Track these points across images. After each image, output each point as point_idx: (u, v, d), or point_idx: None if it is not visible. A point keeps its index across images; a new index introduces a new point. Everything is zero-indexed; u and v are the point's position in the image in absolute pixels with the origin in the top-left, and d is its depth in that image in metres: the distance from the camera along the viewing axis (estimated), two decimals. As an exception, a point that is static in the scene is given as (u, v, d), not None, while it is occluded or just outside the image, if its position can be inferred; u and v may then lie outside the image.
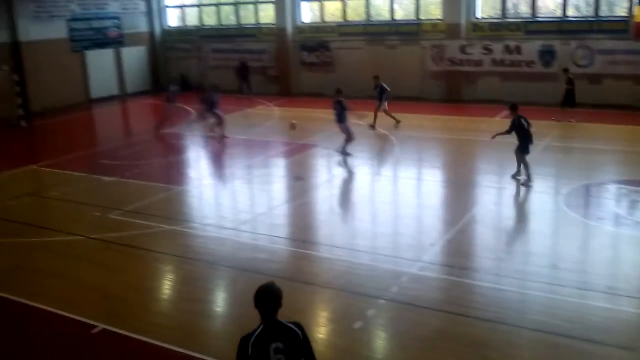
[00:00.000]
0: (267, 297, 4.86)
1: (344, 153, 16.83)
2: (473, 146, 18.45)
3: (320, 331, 8.38)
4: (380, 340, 8.22)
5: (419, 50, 25.91)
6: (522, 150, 13.96)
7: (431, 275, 9.79)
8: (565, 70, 21.40)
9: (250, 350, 4.77)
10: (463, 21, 24.91)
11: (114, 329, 8.33)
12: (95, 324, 8.46)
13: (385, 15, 27.26)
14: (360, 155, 17.55)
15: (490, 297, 8.96)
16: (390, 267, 10.02)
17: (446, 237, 11.22)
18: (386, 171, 16.06)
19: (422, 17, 26.27)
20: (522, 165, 14.02)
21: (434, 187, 14.90)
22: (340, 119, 16.92)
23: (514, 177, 14.19)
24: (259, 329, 4.86)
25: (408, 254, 10.58)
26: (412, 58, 26.01)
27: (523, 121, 13.95)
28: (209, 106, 20.23)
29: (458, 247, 10.83)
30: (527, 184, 13.86)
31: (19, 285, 9.86)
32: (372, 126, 20.41)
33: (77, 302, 9.14)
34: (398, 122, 20.51)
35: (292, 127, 17.89)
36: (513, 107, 14.24)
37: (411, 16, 26.60)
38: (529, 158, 14.01)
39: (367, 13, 27.42)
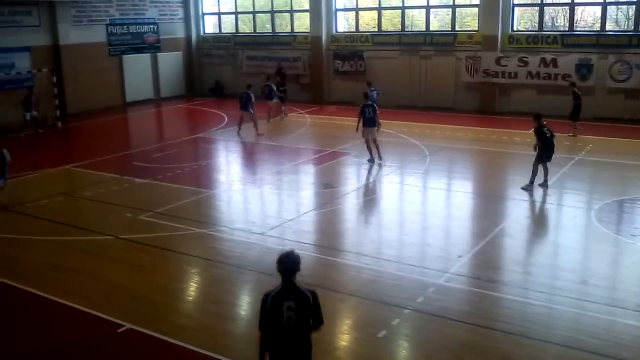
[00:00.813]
0: (287, 262, 5.70)
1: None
2: (505, 158, 18.26)
3: (344, 339, 8.36)
4: (404, 350, 8.16)
5: (453, 61, 25.80)
6: (541, 158, 14.29)
7: (458, 287, 9.69)
8: (573, 85, 21.25)
9: (268, 304, 5.65)
10: (499, 33, 24.72)
11: (140, 329, 8.43)
12: (122, 323, 8.57)
13: (420, 26, 27.20)
14: (390, 164, 17.52)
15: (517, 311, 8.83)
16: (417, 277, 9.95)
17: (474, 250, 11.11)
18: (416, 181, 15.97)
19: (457, 28, 26.16)
20: (535, 174, 14.31)
21: (464, 198, 14.77)
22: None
23: (525, 188, 14.38)
24: (278, 289, 5.69)
25: (435, 264, 10.49)
26: (446, 69, 25.91)
27: (545, 130, 14.27)
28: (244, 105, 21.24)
29: (486, 260, 10.71)
30: (544, 185, 14.36)
31: (50, 282, 10.04)
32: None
33: (105, 301, 9.28)
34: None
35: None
36: (536, 117, 14.54)
37: (447, 27, 26.52)
38: (552, 168, 13.93)
39: (402, 23, 27.40)
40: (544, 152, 14.27)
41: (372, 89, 21.55)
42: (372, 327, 8.36)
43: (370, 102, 17.89)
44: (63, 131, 23.61)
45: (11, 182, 15.75)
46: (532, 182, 14.30)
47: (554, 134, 14.53)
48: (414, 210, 13.94)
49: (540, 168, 14.35)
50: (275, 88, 24.67)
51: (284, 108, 24.94)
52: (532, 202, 13.87)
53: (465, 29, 26.30)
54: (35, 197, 14.82)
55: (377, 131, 17.50)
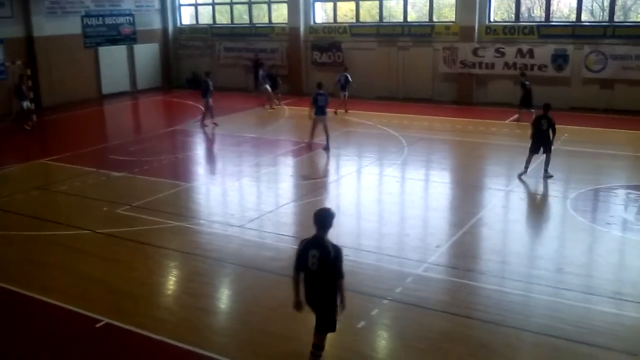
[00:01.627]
0: (319, 217, 6.75)
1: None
2: (482, 149, 18.41)
3: (324, 330, 8.37)
4: (383, 340, 8.21)
5: (431, 52, 25.89)
6: (531, 148, 14.56)
7: (436, 276, 9.76)
8: (522, 75, 21.96)
9: (300, 248, 6.79)
10: (476, 24, 24.84)
11: (118, 324, 8.37)
12: (100, 318, 8.50)
13: (398, 17, 27.26)
14: (368, 155, 17.58)
15: (494, 300, 8.93)
16: (395, 268, 10.01)
17: (452, 239, 11.20)
18: (394, 172, 16.03)
19: (435, 19, 26.24)
20: (528, 162, 14.62)
21: (442, 188, 14.88)
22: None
23: (520, 176, 14.67)
24: (310, 237, 6.76)
25: (413, 255, 10.56)
26: (424, 60, 26.00)
27: (543, 122, 14.42)
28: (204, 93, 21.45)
29: (464, 249, 10.80)
30: (521, 176, 14.67)
31: (27, 278, 9.93)
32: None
33: (82, 296, 9.20)
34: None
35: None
36: (544, 107, 14.69)
37: (424, 18, 26.58)
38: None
39: (380, 14, 27.41)
40: (533, 142, 14.55)
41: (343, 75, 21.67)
42: (352, 318, 8.35)
43: (322, 92, 18.22)
44: (38, 124, 23.25)
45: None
46: (525, 169, 14.64)
47: (555, 126, 14.52)
48: (393, 201, 14.01)
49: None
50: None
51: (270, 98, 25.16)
52: (509, 192, 14.00)
53: (443, 20, 26.38)
54: (10, 191, 14.62)
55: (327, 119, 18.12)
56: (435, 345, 7.77)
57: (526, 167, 14.65)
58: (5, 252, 11.08)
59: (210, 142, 20.64)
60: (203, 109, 21.94)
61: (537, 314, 8.51)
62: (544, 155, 14.55)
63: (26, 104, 22.51)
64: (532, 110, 20.04)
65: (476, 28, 24.87)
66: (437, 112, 23.48)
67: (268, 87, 25.07)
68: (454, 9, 25.73)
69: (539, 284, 9.34)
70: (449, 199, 14.11)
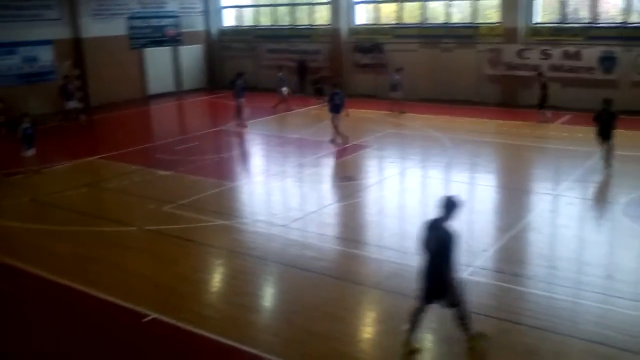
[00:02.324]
0: (444, 201, 7.25)
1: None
2: (529, 152, 18.10)
3: (368, 331, 8.38)
4: (428, 343, 8.13)
5: (474, 53, 25.58)
6: (596, 137, 15.18)
7: (482, 280, 9.64)
8: (540, 75, 21.74)
9: (425, 227, 7.34)
10: (521, 25, 24.46)
11: (164, 319, 8.49)
12: (147, 312, 8.64)
13: (440, 18, 27.02)
14: (412, 157, 17.47)
15: (542, 305, 8.76)
16: (440, 271, 9.90)
17: (499, 243, 11.04)
18: (438, 174, 15.90)
19: (479, 20, 25.94)
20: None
21: (487, 192, 14.68)
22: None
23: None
24: (435, 218, 7.26)
25: (458, 258, 10.40)
26: (467, 61, 25.70)
27: (603, 114, 15.01)
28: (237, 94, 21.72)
29: (511, 254, 10.64)
30: (607, 166, 15.02)
31: (75, 272, 10.16)
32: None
33: (130, 291, 9.36)
34: None
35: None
36: (604, 102, 15.35)
37: (468, 19, 26.29)
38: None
39: (423, 15, 27.23)
40: (598, 131, 15.09)
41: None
42: (396, 320, 8.33)
43: (338, 91, 18.98)
44: (87, 123, 23.80)
45: (39, 173, 16.02)
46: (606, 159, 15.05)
47: (616, 116, 15.09)
48: (436, 203, 13.83)
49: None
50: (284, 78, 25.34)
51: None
52: (557, 196, 13.73)
53: (487, 21, 26.06)
54: (62, 188, 14.98)
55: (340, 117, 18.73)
56: (481, 350, 7.65)
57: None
58: (55, 247, 11.35)
59: (253, 143, 20.78)
60: (235, 110, 22.11)
61: (586, 321, 8.32)
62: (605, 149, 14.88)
63: (72, 103, 23.07)
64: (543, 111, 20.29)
65: (521, 29, 24.48)
66: (481, 114, 23.18)
67: (284, 90, 25.07)
68: (498, 10, 25.39)
69: (588, 290, 9.14)
70: (495, 202, 13.92)
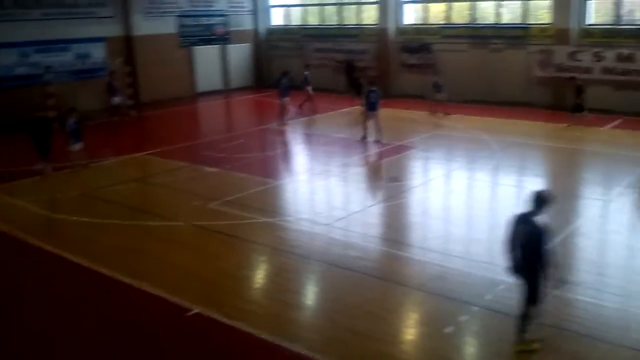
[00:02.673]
0: (535, 195, 7.30)
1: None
2: (579, 156, 17.69)
3: (411, 332, 8.32)
4: (471, 347, 8.03)
5: (524, 55, 25.11)
6: None
7: (528, 285, 9.44)
8: (572, 79, 21.38)
9: (515, 221, 7.39)
10: (573, 26, 23.92)
11: (207, 313, 8.59)
12: (190, 307, 8.75)
13: (490, 18, 26.63)
14: (458, 159, 17.28)
15: (590, 312, 8.55)
16: (486, 275, 9.74)
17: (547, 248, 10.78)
18: (485, 177, 15.67)
19: (529, 21, 25.47)
20: None
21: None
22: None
23: None
24: (524, 213, 7.32)
25: (505, 262, 10.24)
26: (517, 63, 25.24)
27: None
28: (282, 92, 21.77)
29: (559, 259, 10.38)
30: None
31: (121, 264, 10.35)
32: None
33: (174, 285, 9.49)
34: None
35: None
36: None
37: (518, 20, 25.83)
38: None
39: (472, 15, 26.89)
40: None
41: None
42: (439, 322, 8.26)
43: (374, 89, 19.17)
44: (137, 120, 24.28)
45: (88, 167, 16.43)
46: None
47: None
48: (483, 206, 13.68)
49: None
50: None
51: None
52: (607, 202, 13.38)
53: (537, 22, 25.56)
54: (111, 183, 15.31)
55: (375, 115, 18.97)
56: (527, 356, 7.52)
57: None
58: (102, 239, 11.60)
59: (298, 141, 20.85)
60: (279, 108, 22.26)
61: (635, 329, 8.08)
62: None
63: (117, 99, 23.52)
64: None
65: (573, 31, 23.93)
66: (530, 117, 22.75)
67: (309, 89, 24.90)
68: (549, 10, 24.87)
69: (638, 298, 8.88)
70: (542, 206, 13.61)
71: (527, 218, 7.30)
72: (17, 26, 23.56)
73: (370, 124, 19.02)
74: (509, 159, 17.11)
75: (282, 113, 22.10)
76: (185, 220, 12.39)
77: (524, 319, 7.49)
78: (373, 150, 18.46)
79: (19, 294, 9.68)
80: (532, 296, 7.39)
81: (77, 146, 16.35)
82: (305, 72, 25.53)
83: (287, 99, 22.06)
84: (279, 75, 23.09)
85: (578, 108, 20.76)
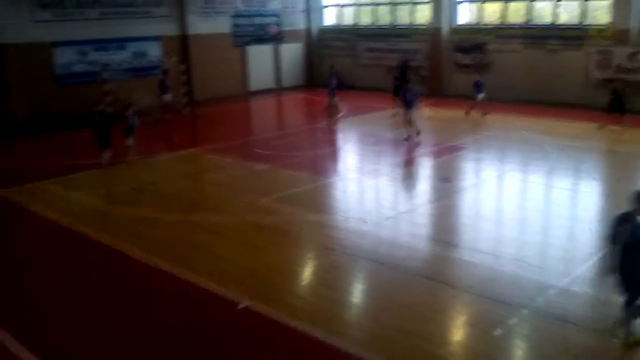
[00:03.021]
0: (637, 195, 7.34)
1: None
2: (638, 160, 17.13)
3: (458, 334, 8.21)
4: (520, 351, 7.87)
5: (582, 56, 24.50)
6: None
7: (581, 290, 9.21)
8: (611, 81, 21.13)
9: (616, 221, 7.44)
10: (634, 27, 23.19)
11: (256, 307, 8.68)
12: (240, 300, 8.86)
13: (547, 19, 26.06)
14: (511, 160, 16.99)
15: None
16: (537, 278, 9.55)
17: (601, 253, 10.50)
18: (538, 179, 15.35)
19: (588, 21, 24.82)
20: None
21: (591, 199, 14.01)
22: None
23: None
24: (626, 212, 7.41)
25: (557, 266, 10.04)
26: (574, 64, 24.66)
27: None
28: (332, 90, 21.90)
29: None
30: None
31: (173, 257, 10.55)
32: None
33: (224, 279, 9.62)
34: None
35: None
36: None
37: (576, 20, 25.21)
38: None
39: (528, 15, 26.38)
40: None
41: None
42: (488, 325, 8.13)
43: (411, 87, 19.78)
44: (190, 117, 24.72)
45: (142, 162, 16.84)
46: None
47: None
48: (536, 208, 13.37)
49: None
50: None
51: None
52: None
53: (596, 22, 24.90)
54: (163, 177, 15.63)
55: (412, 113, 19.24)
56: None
57: None
58: (154, 233, 11.86)
59: (348, 140, 20.85)
60: (328, 107, 22.37)
61: None
62: None
63: (167, 97, 24.01)
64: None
65: (634, 31, 23.19)
66: (587, 118, 22.14)
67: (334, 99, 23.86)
68: (608, 11, 24.19)
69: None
70: (599, 210, 13.24)
71: (630, 217, 7.30)
72: (77, 26, 24.32)
73: (407, 121, 19.24)
74: (563, 161, 16.72)
75: (330, 111, 22.19)
76: (236, 216, 12.54)
77: (632, 314, 7.48)
78: (423, 150, 18.30)
79: (74, 284, 9.97)
80: (633, 296, 7.36)
81: (130, 141, 16.72)
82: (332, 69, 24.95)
83: (335, 98, 22.12)
84: (328, 74, 23.20)
85: (615, 108, 20.10)
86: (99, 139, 16.45)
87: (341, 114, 22.71)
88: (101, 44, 25.11)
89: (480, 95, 22.98)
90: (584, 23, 24.80)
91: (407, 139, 18.95)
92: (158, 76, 25.11)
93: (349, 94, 24.45)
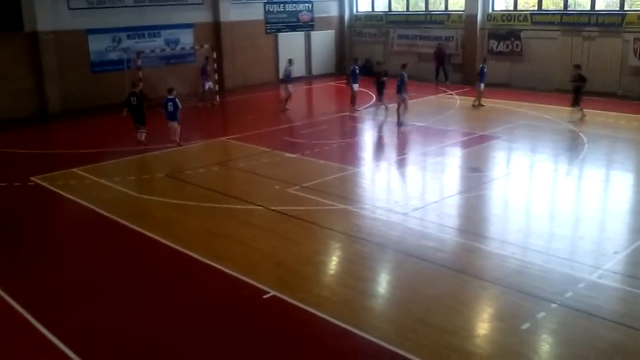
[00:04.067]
0: None
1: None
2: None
3: (485, 327, 8.17)
4: (547, 345, 7.79)
5: (620, 43, 23.94)
6: None
7: (612, 284, 9.08)
8: (577, 67, 20.73)
9: None
10: (675, 13, 22.57)
11: (283, 297, 8.75)
12: (267, 289, 8.94)
13: (584, 5, 25.49)
14: (544, 151, 16.74)
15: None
16: (566, 271, 9.44)
17: (633, 246, 10.32)
18: (571, 170, 15.11)
19: (626, 7, 24.20)
20: None
21: (624, 191, 13.73)
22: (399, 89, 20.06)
23: None
24: None
25: (587, 259, 9.90)
26: (611, 51, 24.12)
27: None
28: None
29: None
30: None
31: (203, 246, 10.68)
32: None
33: (253, 268, 9.71)
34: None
35: None
36: None
37: (614, 6, 24.61)
38: None
39: (565, 2, 25.82)
40: None
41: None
42: (516, 318, 8.08)
43: (403, 72, 20.25)
44: (220, 105, 24.87)
45: (173, 151, 17.05)
46: None
47: None
48: (568, 200, 13.20)
49: None
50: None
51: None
52: None
53: (635, 8, 24.26)
54: (194, 165, 15.80)
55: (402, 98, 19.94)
56: (605, 357, 7.25)
57: None
58: (185, 221, 12.01)
59: (378, 129, 20.77)
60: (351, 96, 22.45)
61: None
62: None
63: (209, 84, 24.27)
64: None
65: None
66: (623, 108, 21.71)
67: (355, 86, 22.57)
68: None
69: None
70: (631, 202, 12.99)
71: None
72: (111, 13, 24.62)
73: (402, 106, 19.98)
74: (597, 151, 16.41)
75: (352, 100, 22.19)
76: (265, 205, 12.62)
77: None
78: (454, 139, 18.14)
79: (105, 270, 10.18)
80: None
81: (174, 124, 17.57)
82: (353, 66, 23.21)
83: (356, 85, 22.10)
84: (352, 63, 23.15)
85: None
86: (134, 117, 17.57)
87: (372, 103, 22.59)
88: (135, 31, 25.38)
89: (479, 85, 22.47)
90: (623, 9, 24.20)
91: (399, 124, 19.77)
92: (195, 64, 25.30)
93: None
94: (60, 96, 23.41)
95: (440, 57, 28.45)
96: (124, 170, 15.62)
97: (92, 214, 12.57)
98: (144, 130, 17.63)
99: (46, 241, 11.54)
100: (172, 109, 17.35)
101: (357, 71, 22.45)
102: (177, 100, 17.47)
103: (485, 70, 22.60)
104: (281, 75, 24.48)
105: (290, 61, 24.18)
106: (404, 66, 21.06)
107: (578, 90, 19.96)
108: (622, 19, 23.95)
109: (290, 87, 23.45)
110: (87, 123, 21.91)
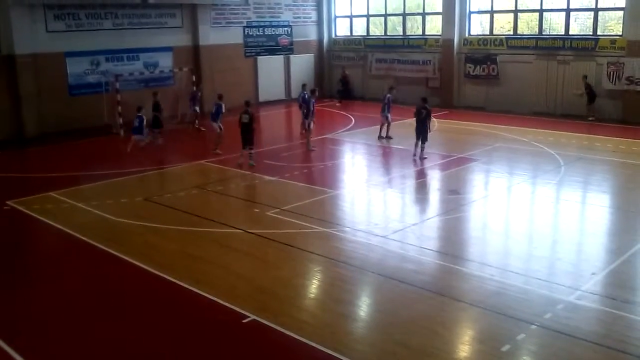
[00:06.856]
0: None
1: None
2: (648, 172, 17.03)
3: (465, 350, 8.16)
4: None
5: (594, 67, 24.42)
6: None
7: (590, 305, 9.15)
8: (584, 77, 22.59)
9: None
10: (647, 38, 23.10)
11: (263, 321, 8.67)
12: (247, 314, 8.86)
13: (558, 29, 26.02)
14: (521, 173, 16.93)
15: (656, 337, 8.20)
16: (545, 293, 9.49)
17: (610, 267, 10.44)
18: (548, 192, 15.27)
19: (599, 32, 24.75)
20: None
21: (600, 212, 13.91)
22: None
23: None
24: None
25: (566, 280, 9.97)
26: (585, 75, 24.55)
27: None
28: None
29: (622, 279, 10.04)
30: None
31: (182, 269, 10.58)
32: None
33: (232, 292, 9.64)
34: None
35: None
36: None
37: (587, 31, 25.15)
38: None
39: (540, 26, 26.33)
40: None
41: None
42: (496, 340, 8.09)
43: (389, 95, 21.01)
44: (198, 128, 24.81)
45: (153, 174, 16.91)
46: None
47: None
48: (545, 222, 13.32)
49: None
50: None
51: None
52: (678, 221, 12.83)
53: (608, 33, 24.82)
54: (173, 189, 15.70)
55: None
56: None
57: None
58: (164, 244, 11.90)
59: (356, 152, 20.86)
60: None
61: None
62: None
63: (197, 108, 24.37)
64: None
65: (647, 42, 23.12)
66: (598, 131, 22.07)
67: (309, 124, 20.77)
68: (620, 22, 24.12)
69: None
70: (608, 224, 13.17)
71: None
72: (89, 36, 24.55)
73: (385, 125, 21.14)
74: (573, 174, 16.63)
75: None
76: (245, 228, 12.56)
77: None
78: (432, 162, 18.27)
79: (80, 294, 10.02)
80: None
81: (138, 137, 19.20)
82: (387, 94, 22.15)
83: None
84: (387, 90, 22.04)
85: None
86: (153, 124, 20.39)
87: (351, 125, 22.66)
88: (114, 54, 25.33)
89: (388, 116, 21.36)
90: (596, 34, 24.74)
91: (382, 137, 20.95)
92: (173, 87, 25.36)
93: (358, 105, 24.43)
94: (37, 119, 23.17)
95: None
96: (102, 194, 15.47)
97: (70, 238, 12.40)
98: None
99: (22, 266, 11.34)
100: (137, 124, 19.49)
101: (307, 97, 22.03)
102: (144, 117, 19.47)
103: (392, 99, 21.58)
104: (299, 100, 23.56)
105: (304, 86, 23.24)
106: (391, 88, 21.20)
107: (591, 97, 21.76)
108: (596, 43, 24.47)
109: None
110: (64, 146, 21.72)
